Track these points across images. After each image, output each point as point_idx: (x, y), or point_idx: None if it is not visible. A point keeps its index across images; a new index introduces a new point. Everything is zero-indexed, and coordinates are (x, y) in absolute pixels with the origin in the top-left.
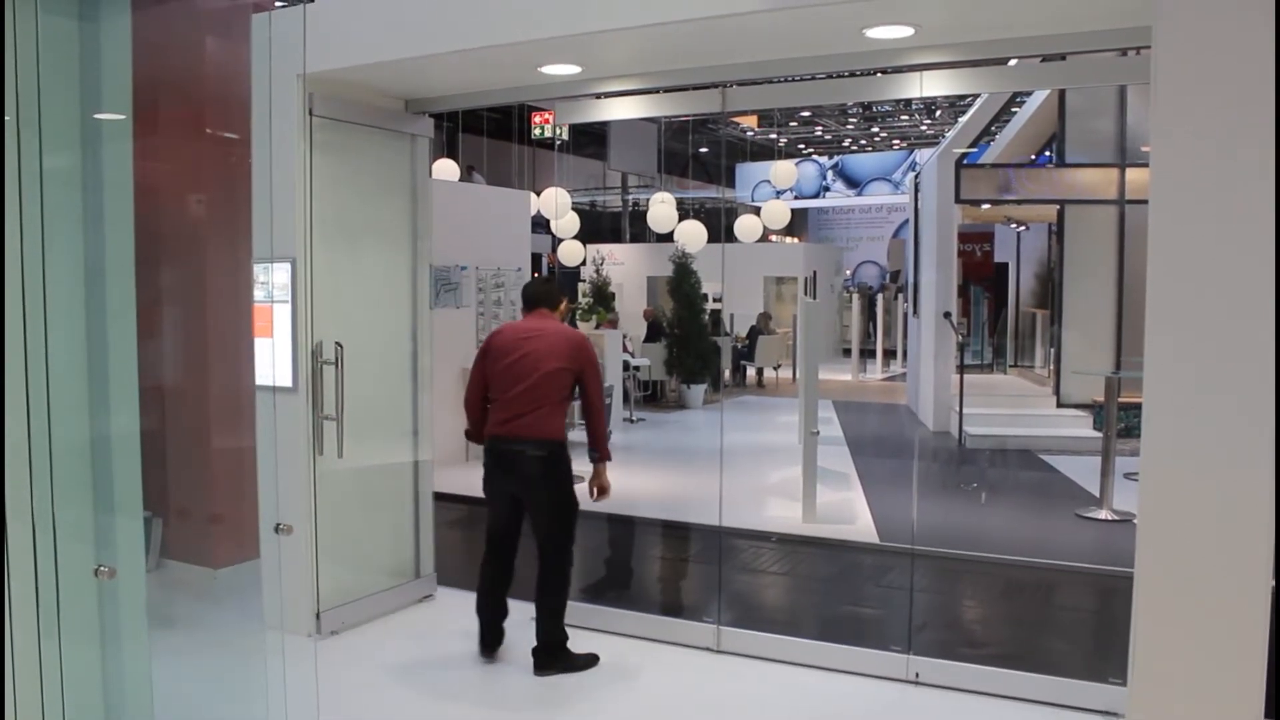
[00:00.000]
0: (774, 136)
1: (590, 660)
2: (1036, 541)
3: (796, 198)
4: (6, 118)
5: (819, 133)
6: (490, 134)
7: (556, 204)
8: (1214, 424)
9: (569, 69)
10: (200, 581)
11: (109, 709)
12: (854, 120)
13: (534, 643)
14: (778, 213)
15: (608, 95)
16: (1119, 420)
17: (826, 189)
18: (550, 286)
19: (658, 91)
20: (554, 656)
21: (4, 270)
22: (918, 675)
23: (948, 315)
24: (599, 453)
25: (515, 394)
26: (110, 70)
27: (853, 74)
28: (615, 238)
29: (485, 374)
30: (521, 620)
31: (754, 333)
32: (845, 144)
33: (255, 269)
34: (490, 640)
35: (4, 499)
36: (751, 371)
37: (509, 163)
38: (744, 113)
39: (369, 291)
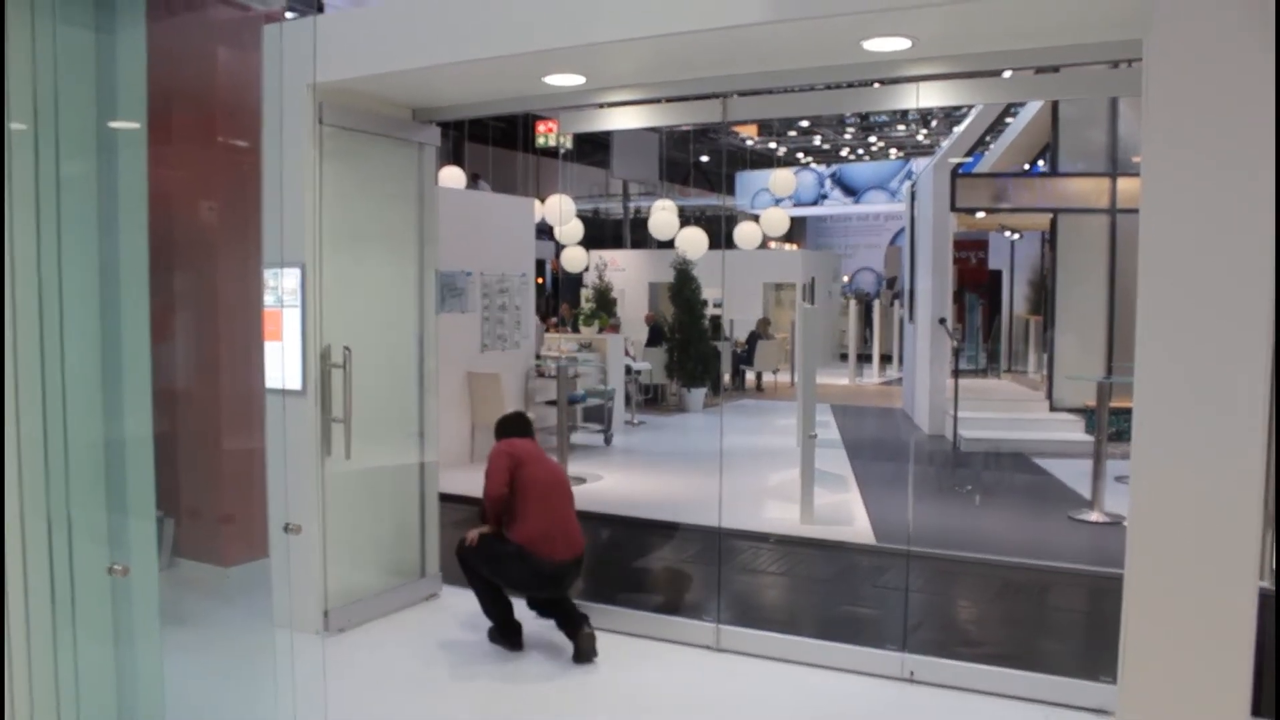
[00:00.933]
0: (773, 146)
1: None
2: (1029, 543)
3: (795, 205)
4: (25, 126)
5: (817, 142)
6: (495, 142)
7: (560, 211)
8: (1204, 428)
9: (573, 79)
10: (211, 580)
11: (122, 704)
12: (852, 130)
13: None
14: (777, 220)
15: (611, 105)
16: (1110, 424)
17: (825, 197)
18: (529, 422)
19: (660, 101)
20: (586, 621)
21: (16, 274)
22: (913, 673)
23: (943, 321)
24: None
25: (557, 507)
26: (125, 80)
27: (851, 85)
28: (617, 244)
29: (515, 477)
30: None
31: (753, 337)
32: (843, 153)
33: (265, 274)
34: (516, 632)
35: (3, 499)
36: (751, 375)
37: (514, 170)
38: (744, 122)
39: (376, 296)
